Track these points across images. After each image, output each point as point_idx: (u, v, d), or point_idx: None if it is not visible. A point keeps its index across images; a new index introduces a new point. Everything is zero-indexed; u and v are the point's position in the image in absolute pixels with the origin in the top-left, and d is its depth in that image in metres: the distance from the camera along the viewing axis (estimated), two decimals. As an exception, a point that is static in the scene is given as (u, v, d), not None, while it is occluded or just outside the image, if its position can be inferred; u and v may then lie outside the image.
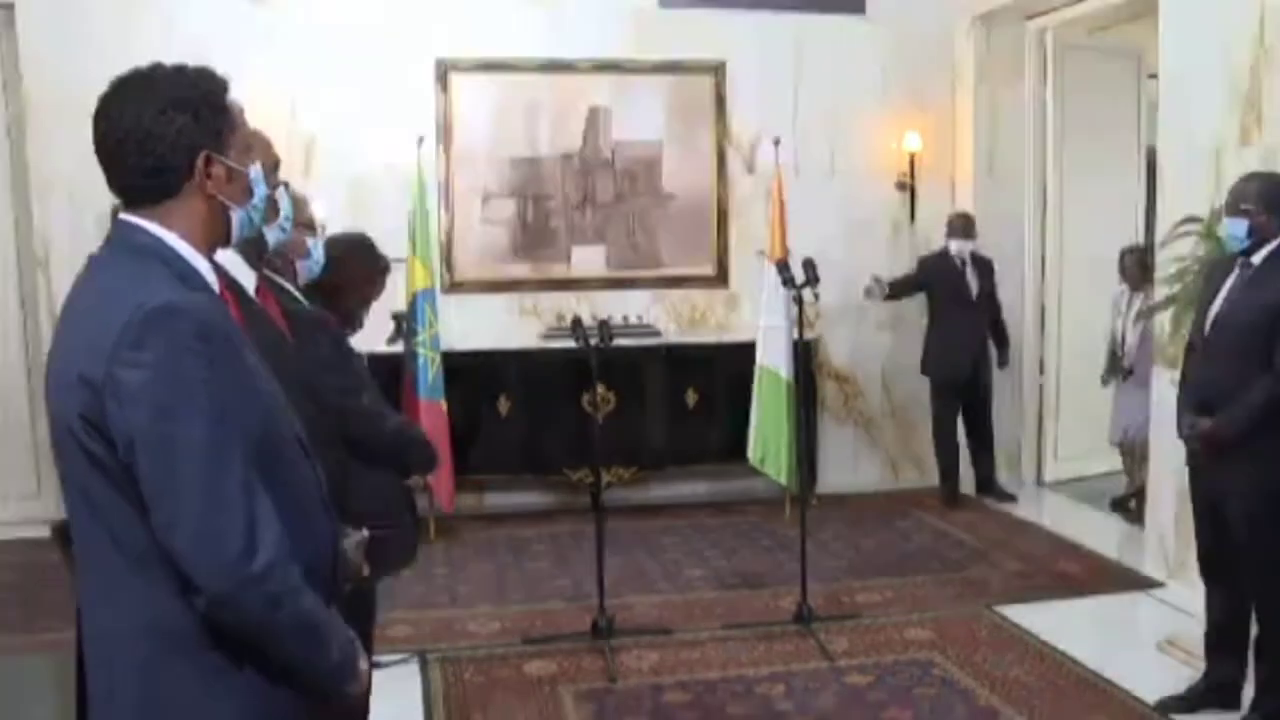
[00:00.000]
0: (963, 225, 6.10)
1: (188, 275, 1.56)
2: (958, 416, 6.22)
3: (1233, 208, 3.38)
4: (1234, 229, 3.37)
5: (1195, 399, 3.44)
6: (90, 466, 1.48)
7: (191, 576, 1.45)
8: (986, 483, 6.28)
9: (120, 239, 1.58)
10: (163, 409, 1.43)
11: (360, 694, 1.69)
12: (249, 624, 1.48)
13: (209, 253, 1.64)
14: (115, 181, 1.58)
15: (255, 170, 1.66)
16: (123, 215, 1.60)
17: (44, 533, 5.40)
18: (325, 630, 1.57)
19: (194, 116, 1.56)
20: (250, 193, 1.66)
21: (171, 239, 1.57)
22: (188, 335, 1.45)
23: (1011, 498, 6.21)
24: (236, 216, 1.64)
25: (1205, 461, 3.44)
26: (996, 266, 6.23)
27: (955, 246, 6.08)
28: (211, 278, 1.62)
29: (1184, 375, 3.58)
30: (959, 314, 6.04)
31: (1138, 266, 5.78)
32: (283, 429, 1.62)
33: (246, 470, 1.47)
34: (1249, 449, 3.26)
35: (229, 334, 1.53)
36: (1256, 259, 3.34)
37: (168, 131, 1.54)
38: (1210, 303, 3.45)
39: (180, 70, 1.60)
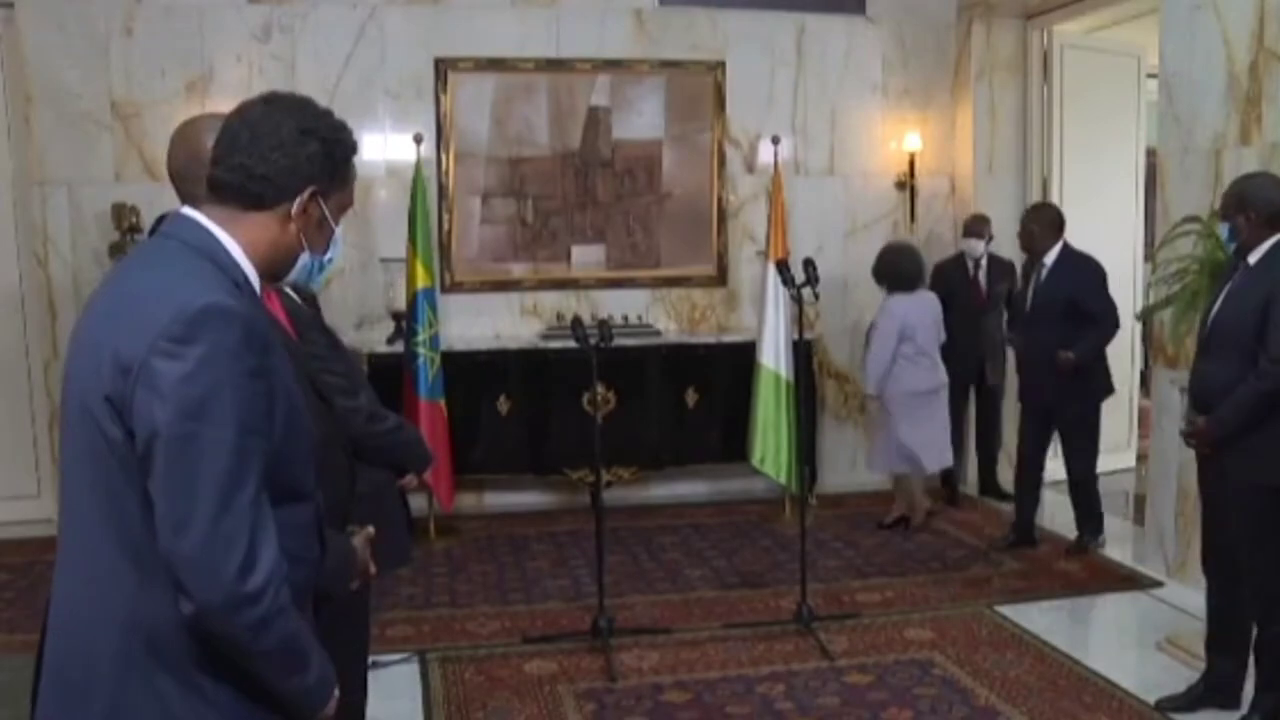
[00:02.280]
0: (973, 226, 6.03)
1: (241, 283, 1.55)
2: (961, 417, 6.20)
3: (1222, 212, 3.50)
4: (1223, 232, 3.50)
5: (1194, 397, 3.51)
6: (105, 452, 1.46)
7: (185, 583, 1.42)
8: (988, 483, 6.28)
9: (178, 233, 1.57)
10: (194, 408, 1.41)
11: (331, 717, 1.66)
12: (233, 640, 1.46)
13: (261, 277, 1.63)
14: (219, 173, 1.58)
15: (340, 231, 1.70)
16: (186, 210, 1.59)
17: (44, 532, 5.44)
18: (306, 653, 1.56)
19: (325, 152, 1.60)
20: (326, 248, 1.69)
21: (231, 245, 1.56)
22: (233, 339, 1.44)
23: (1011, 497, 6.19)
24: (302, 260, 1.65)
25: (1205, 457, 3.49)
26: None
27: (965, 247, 6.04)
28: (258, 289, 1.62)
29: (1190, 377, 3.64)
30: (966, 316, 5.95)
31: (875, 274, 5.68)
32: (300, 447, 1.60)
33: (259, 484, 1.46)
34: (1240, 445, 3.30)
35: (270, 345, 1.52)
36: (1252, 259, 3.39)
37: (300, 151, 1.57)
38: (1214, 302, 3.51)
39: (329, 112, 1.65)
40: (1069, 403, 5.14)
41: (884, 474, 5.90)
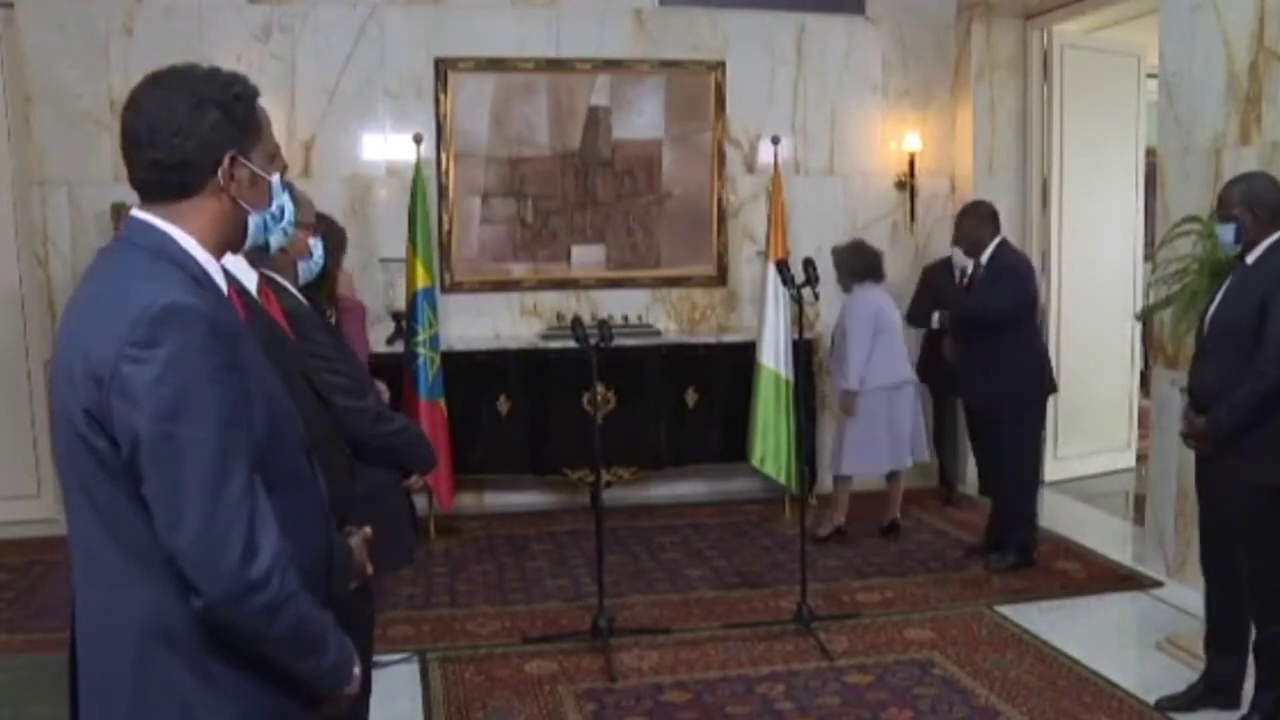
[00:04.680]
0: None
1: (199, 277, 1.55)
2: (957, 418, 6.19)
3: (1221, 213, 3.44)
4: (1224, 234, 3.45)
5: (1192, 397, 3.50)
6: (92, 461, 1.47)
7: (190, 578, 1.44)
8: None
9: (132, 236, 1.57)
10: (169, 408, 1.42)
11: (354, 697, 1.69)
12: (244, 629, 1.48)
13: (220, 255, 1.63)
14: (137, 174, 1.57)
15: (277, 178, 1.67)
16: (135, 212, 1.58)
17: (44, 532, 5.44)
18: (321, 635, 1.57)
19: (226, 115, 1.56)
20: (270, 199, 1.66)
21: (185, 240, 1.56)
22: (198, 335, 1.44)
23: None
24: (253, 221, 1.64)
25: (1205, 456, 3.48)
26: None
27: (954, 255, 5.99)
28: (221, 280, 1.63)
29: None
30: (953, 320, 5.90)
31: (837, 266, 5.47)
32: (287, 433, 1.62)
33: (249, 474, 1.47)
34: (1241, 446, 3.29)
35: (238, 336, 1.53)
36: (1250, 259, 3.38)
37: (199, 127, 1.54)
38: (1211, 302, 3.49)
39: (215, 71, 1.60)
40: (999, 402, 4.94)
41: (865, 475, 5.62)
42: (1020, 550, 5.04)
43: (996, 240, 5.00)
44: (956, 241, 5.15)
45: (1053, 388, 5.15)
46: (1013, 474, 5.03)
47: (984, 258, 5.01)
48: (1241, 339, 3.28)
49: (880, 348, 5.40)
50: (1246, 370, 3.25)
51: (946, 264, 6.02)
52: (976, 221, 5.03)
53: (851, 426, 5.45)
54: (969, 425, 5.41)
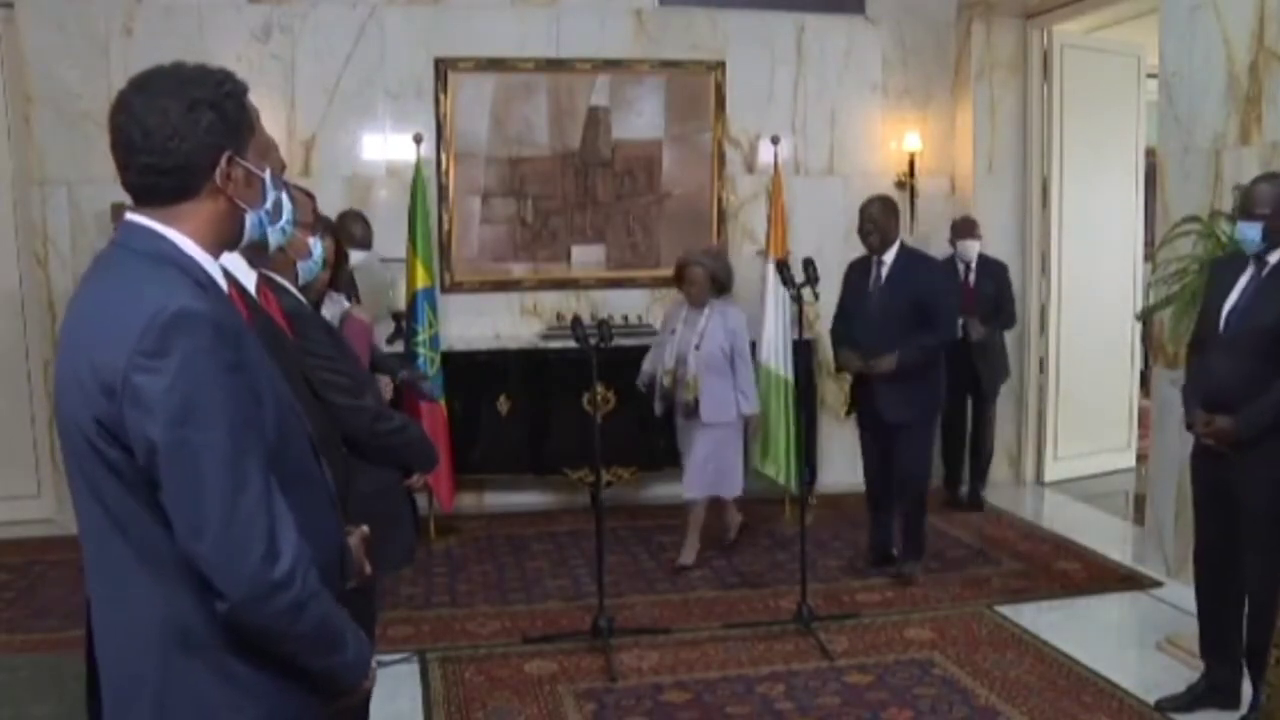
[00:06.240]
0: (966, 228, 5.98)
1: (203, 280, 1.54)
2: (965, 420, 6.15)
3: (1247, 211, 3.34)
4: (1249, 232, 3.33)
5: (1206, 395, 3.41)
6: (104, 469, 1.46)
7: (214, 583, 1.44)
8: (975, 489, 6.17)
9: (130, 241, 1.55)
10: (183, 415, 1.41)
11: (369, 690, 1.71)
12: (270, 630, 1.48)
13: (218, 254, 1.62)
14: (131, 178, 1.55)
15: (268, 173, 1.66)
16: (131, 216, 1.56)
17: (44, 532, 5.44)
18: (341, 631, 1.58)
19: (220, 116, 1.54)
20: (264, 196, 1.65)
21: (184, 242, 1.54)
22: (206, 341, 1.44)
23: (978, 507, 6.07)
24: (249, 219, 1.63)
25: (1218, 456, 3.40)
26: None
27: (960, 249, 5.94)
28: (222, 281, 1.62)
29: (1191, 371, 3.58)
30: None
31: (708, 279, 5.08)
32: (295, 431, 1.62)
33: (265, 475, 1.47)
34: (1260, 444, 3.25)
35: (244, 338, 1.53)
36: (1272, 258, 3.32)
37: (195, 130, 1.52)
38: (1221, 301, 3.41)
39: (204, 69, 1.58)
40: (905, 415, 4.79)
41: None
42: (920, 551, 5.01)
43: (899, 240, 4.88)
44: (868, 234, 4.81)
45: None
46: (924, 479, 4.98)
47: (889, 256, 4.81)
48: (1271, 341, 3.23)
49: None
50: (1270, 370, 3.20)
51: (949, 261, 6.00)
52: (887, 214, 4.81)
53: (739, 447, 5.23)
54: (876, 439, 5.00)
